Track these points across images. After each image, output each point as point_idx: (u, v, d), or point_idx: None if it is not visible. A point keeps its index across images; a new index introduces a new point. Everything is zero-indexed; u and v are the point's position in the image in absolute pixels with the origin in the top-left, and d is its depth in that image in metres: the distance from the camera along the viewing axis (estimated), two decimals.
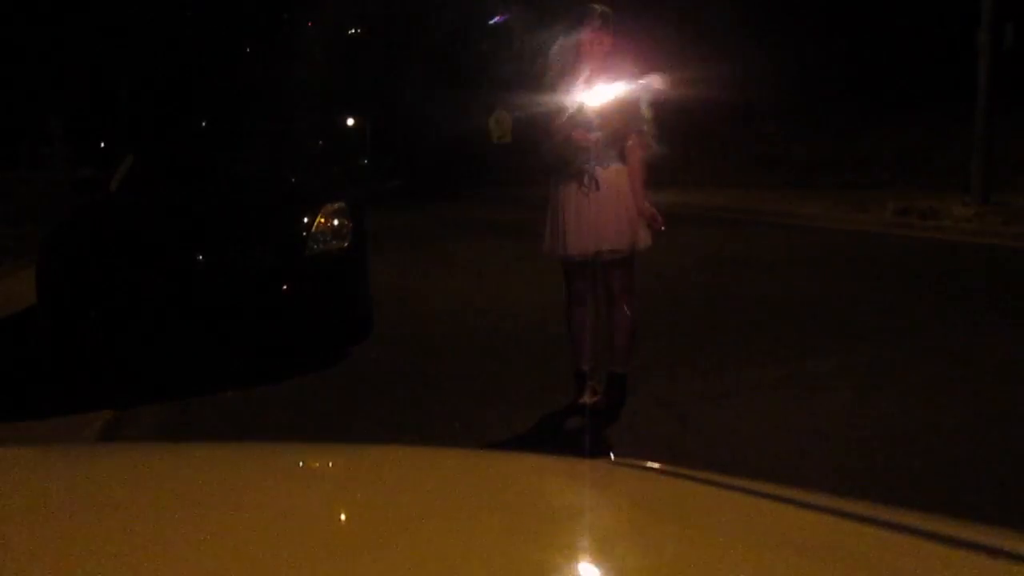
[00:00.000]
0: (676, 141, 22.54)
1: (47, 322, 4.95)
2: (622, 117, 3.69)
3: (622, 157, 3.74)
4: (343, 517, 0.98)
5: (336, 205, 5.41)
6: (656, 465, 1.19)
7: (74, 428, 4.01)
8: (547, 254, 3.89)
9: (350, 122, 36.11)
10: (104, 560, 0.76)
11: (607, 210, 3.67)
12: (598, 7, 3.70)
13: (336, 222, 5.27)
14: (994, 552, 0.80)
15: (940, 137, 15.71)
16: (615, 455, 3.05)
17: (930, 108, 16.62)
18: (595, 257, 3.76)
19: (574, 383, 3.97)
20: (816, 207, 12.53)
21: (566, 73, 3.73)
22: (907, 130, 16.85)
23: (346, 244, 5.24)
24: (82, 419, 4.12)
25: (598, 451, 3.40)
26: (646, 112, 3.76)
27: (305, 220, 5.18)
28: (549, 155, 3.80)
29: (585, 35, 3.68)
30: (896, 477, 3.07)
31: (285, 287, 4.93)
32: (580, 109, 3.67)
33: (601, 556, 0.82)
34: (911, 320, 5.47)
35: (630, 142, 3.74)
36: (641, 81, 3.75)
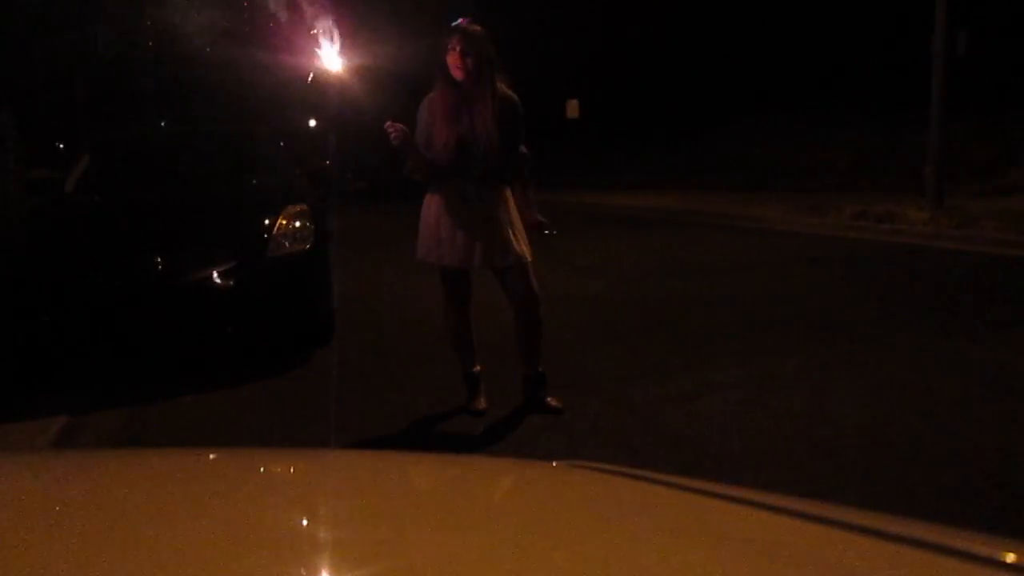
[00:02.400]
0: (631, 144, 22.76)
1: None
2: (497, 143, 3.73)
3: (500, 175, 3.80)
4: (304, 522, 0.97)
5: (298, 207, 5.36)
6: (615, 467, 1.19)
7: (28, 435, 3.93)
8: (422, 260, 3.93)
9: (312, 123, 35.81)
10: (57, 571, 0.75)
11: (487, 224, 3.74)
12: (459, 28, 3.69)
13: (298, 224, 5.23)
14: (951, 553, 0.81)
15: (895, 142, 16.02)
16: (574, 458, 3.07)
17: (885, 114, 16.94)
18: (477, 268, 3.84)
19: (465, 385, 4.09)
20: (774, 210, 12.69)
21: (433, 128, 3.75)
22: (863, 135, 17.15)
23: (308, 246, 5.20)
24: (36, 426, 4.04)
25: (556, 453, 3.42)
26: (522, 133, 3.85)
27: (266, 222, 5.14)
28: (416, 173, 3.82)
29: (449, 60, 3.69)
30: (856, 477, 3.12)
31: (245, 290, 4.88)
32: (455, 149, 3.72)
33: (557, 558, 0.82)
34: (868, 320, 5.56)
35: (516, 164, 3.84)
36: (512, 105, 3.79)
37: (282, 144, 7.45)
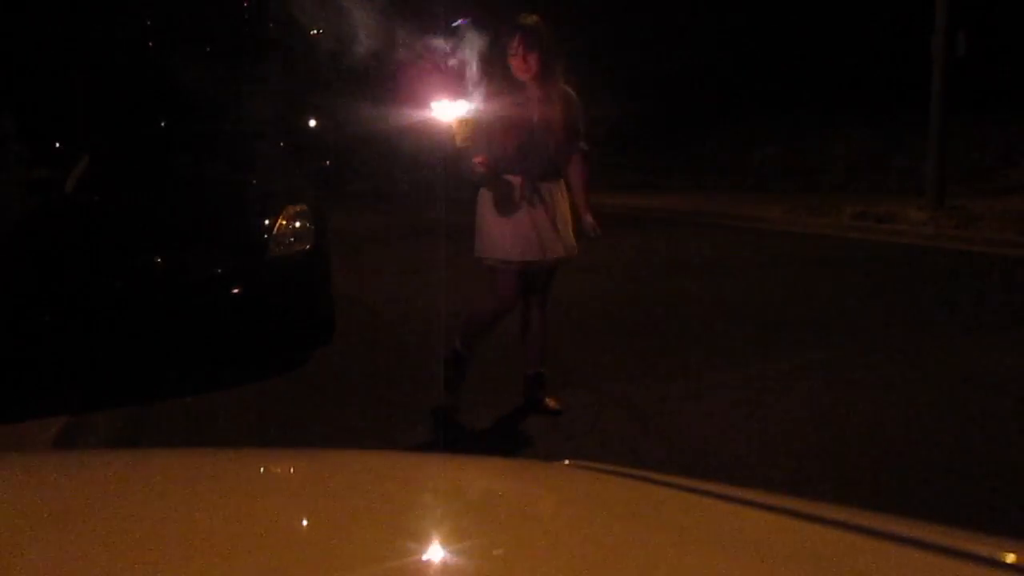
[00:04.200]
0: (631, 144, 22.80)
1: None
2: (562, 140, 3.75)
3: (560, 171, 3.82)
4: (304, 522, 0.97)
5: (298, 207, 5.36)
6: (615, 467, 1.19)
7: (29, 434, 3.93)
8: (481, 257, 3.87)
9: (312, 123, 35.81)
10: (57, 571, 0.75)
11: (548, 220, 3.74)
12: (521, 25, 3.66)
13: (298, 224, 5.23)
14: (951, 553, 0.82)
15: (895, 142, 16.02)
16: (574, 458, 3.07)
17: (885, 114, 16.93)
18: (538, 265, 3.80)
19: (451, 364, 4.02)
20: (775, 211, 12.69)
21: (497, 125, 3.70)
22: (863, 135, 17.15)
23: (308, 246, 5.20)
24: (37, 425, 4.04)
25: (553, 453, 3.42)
26: (582, 129, 3.86)
27: (266, 222, 5.13)
28: (471, 174, 3.77)
29: (512, 62, 3.66)
30: (856, 477, 3.12)
31: (246, 290, 4.88)
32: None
33: (557, 558, 0.82)
34: (868, 321, 5.56)
35: (573, 159, 3.86)
36: (573, 100, 3.82)
37: (282, 144, 7.45)
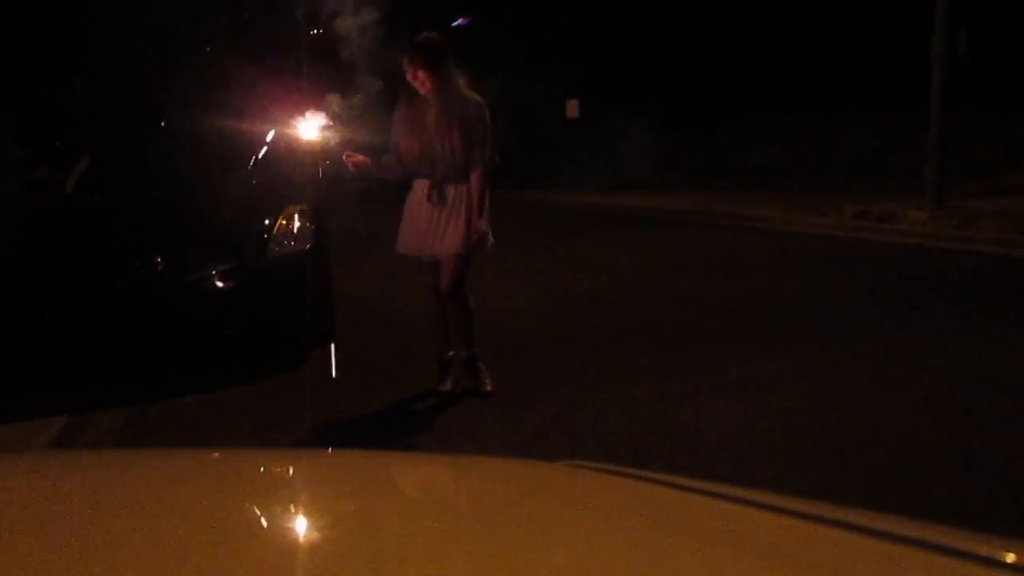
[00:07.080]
0: (631, 144, 22.85)
1: None
2: (460, 150, 4.04)
3: (464, 173, 4.08)
4: (304, 522, 0.97)
5: (297, 207, 5.37)
6: (615, 467, 1.19)
7: (28, 434, 3.93)
8: (397, 252, 4.32)
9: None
10: (57, 571, 0.75)
11: (442, 220, 4.08)
12: (412, 44, 4.00)
13: (297, 224, 5.23)
14: (951, 553, 0.82)
15: (895, 142, 16.01)
16: (574, 458, 3.07)
17: (885, 114, 16.94)
18: (423, 258, 4.19)
19: (436, 368, 4.32)
20: (775, 210, 12.67)
21: (400, 137, 4.12)
22: (863, 135, 17.14)
23: (308, 246, 5.21)
24: (36, 425, 4.04)
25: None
26: (485, 136, 4.10)
27: (266, 222, 5.14)
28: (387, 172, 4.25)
29: (408, 77, 4.02)
30: (855, 477, 3.12)
31: (246, 290, 4.88)
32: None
33: (557, 558, 0.82)
34: (869, 321, 5.56)
35: (476, 166, 4.10)
36: (476, 105, 4.09)
37: (282, 144, 7.44)
